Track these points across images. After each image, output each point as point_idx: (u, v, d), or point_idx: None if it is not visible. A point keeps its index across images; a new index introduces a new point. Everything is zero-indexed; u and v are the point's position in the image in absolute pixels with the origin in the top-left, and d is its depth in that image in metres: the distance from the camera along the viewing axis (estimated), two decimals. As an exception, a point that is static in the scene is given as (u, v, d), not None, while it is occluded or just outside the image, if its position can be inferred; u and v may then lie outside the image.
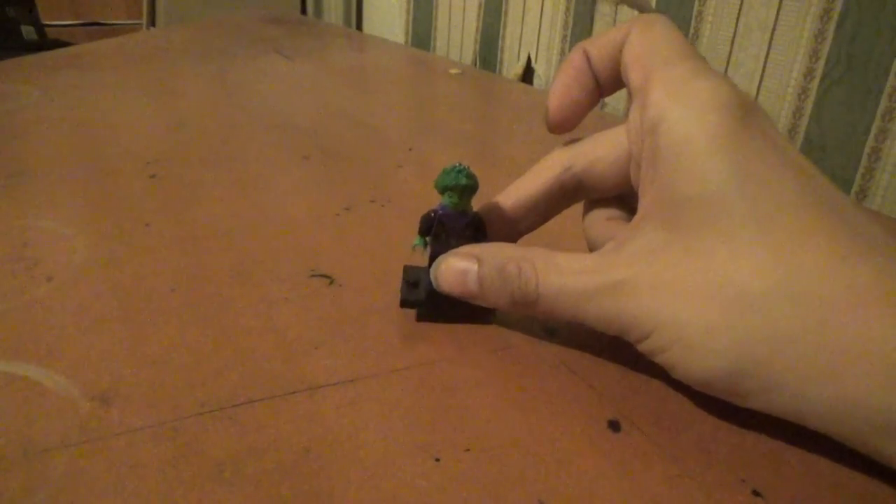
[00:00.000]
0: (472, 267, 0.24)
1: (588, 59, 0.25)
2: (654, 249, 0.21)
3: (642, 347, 0.22)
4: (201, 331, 0.25)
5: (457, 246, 0.25)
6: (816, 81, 0.48)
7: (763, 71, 0.51)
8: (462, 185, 0.25)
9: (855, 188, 0.47)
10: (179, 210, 0.35)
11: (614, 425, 0.21)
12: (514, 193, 0.27)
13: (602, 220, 0.26)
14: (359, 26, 1.13)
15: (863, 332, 0.18)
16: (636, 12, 0.59)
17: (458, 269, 0.24)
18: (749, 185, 0.20)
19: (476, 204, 0.26)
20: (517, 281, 0.23)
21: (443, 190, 0.25)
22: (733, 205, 0.20)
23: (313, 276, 0.29)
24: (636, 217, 0.23)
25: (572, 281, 0.22)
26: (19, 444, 0.19)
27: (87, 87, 0.60)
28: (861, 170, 0.46)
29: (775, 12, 0.50)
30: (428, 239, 0.26)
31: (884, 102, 0.44)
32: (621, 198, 0.26)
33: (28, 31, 1.37)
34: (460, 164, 0.25)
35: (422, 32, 0.96)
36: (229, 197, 0.37)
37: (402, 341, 0.25)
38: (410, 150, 0.46)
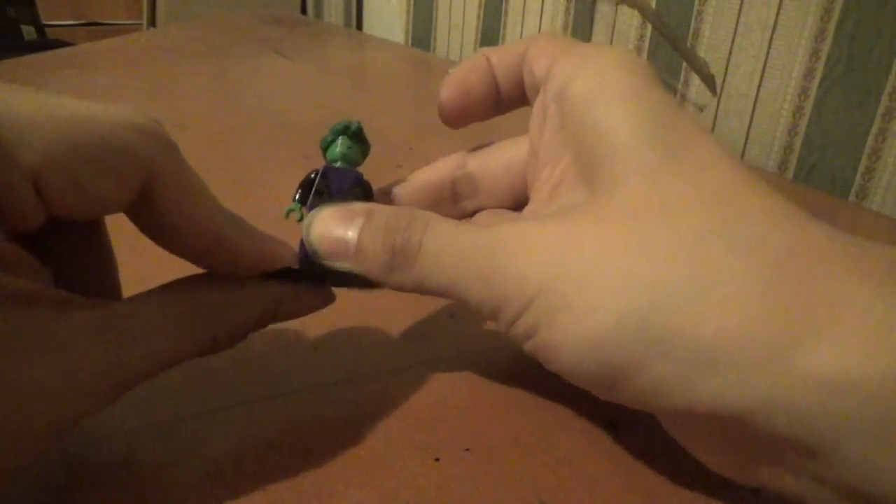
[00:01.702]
0: (356, 222, 0.20)
1: (488, 61, 0.23)
2: (565, 210, 0.19)
3: (520, 326, 0.18)
4: (201, 331, 0.25)
5: None
6: (816, 81, 0.48)
7: (763, 71, 0.51)
8: (354, 129, 0.22)
9: (855, 188, 0.47)
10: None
11: (614, 425, 0.21)
12: (405, 186, 0.25)
13: (493, 218, 0.24)
14: (359, 26, 1.14)
15: (829, 289, 0.15)
16: (636, 12, 0.59)
17: (340, 223, 0.20)
18: (671, 136, 0.18)
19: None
20: (402, 232, 0.19)
21: (330, 140, 0.22)
22: (655, 155, 0.17)
23: (313, 276, 0.29)
24: (540, 192, 0.21)
25: (462, 234, 0.19)
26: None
27: (87, 87, 0.60)
28: (861, 170, 0.46)
29: (775, 12, 0.50)
30: (308, 201, 0.21)
31: (884, 102, 0.44)
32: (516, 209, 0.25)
33: (28, 32, 1.37)
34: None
35: (422, 32, 0.96)
36: (229, 197, 0.37)
37: (402, 341, 0.25)
38: (410, 149, 0.46)
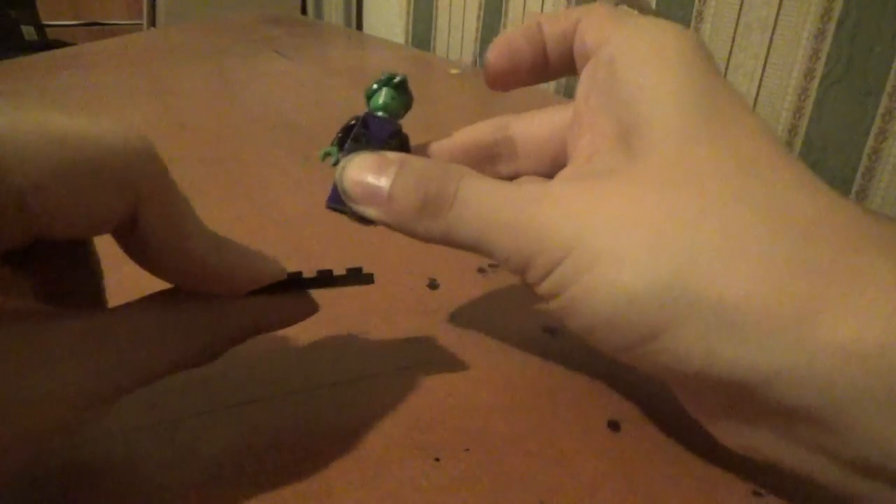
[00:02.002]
0: (390, 170, 0.20)
1: (540, 28, 0.23)
2: (603, 172, 0.19)
3: (550, 282, 0.18)
4: (201, 331, 0.25)
5: None
6: (816, 81, 0.48)
7: (763, 71, 0.51)
8: (398, 81, 0.23)
9: (855, 188, 0.47)
10: (179, 210, 0.35)
11: (614, 425, 0.21)
12: (444, 143, 0.25)
13: (530, 181, 0.25)
14: (359, 26, 1.13)
15: (854, 259, 0.15)
16: (636, 12, 0.59)
17: (372, 169, 0.20)
18: (714, 106, 0.18)
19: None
20: (437, 181, 0.19)
21: (376, 88, 0.23)
22: (695, 124, 0.18)
23: (313, 276, 0.29)
24: (581, 156, 0.22)
25: (497, 188, 0.19)
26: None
27: (88, 87, 0.60)
28: (861, 170, 0.46)
29: (775, 12, 0.50)
30: (346, 146, 0.22)
31: (884, 102, 0.44)
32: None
33: (28, 32, 1.37)
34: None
35: (422, 32, 0.96)
36: (229, 197, 0.37)
37: (402, 341, 0.25)
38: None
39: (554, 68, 0.24)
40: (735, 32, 0.53)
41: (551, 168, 0.24)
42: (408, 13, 0.99)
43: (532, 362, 0.24)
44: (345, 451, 0.20)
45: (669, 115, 0.18)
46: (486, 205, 0.19)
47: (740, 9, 0.52)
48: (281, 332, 0.25)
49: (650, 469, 0.20)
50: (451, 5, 0.89)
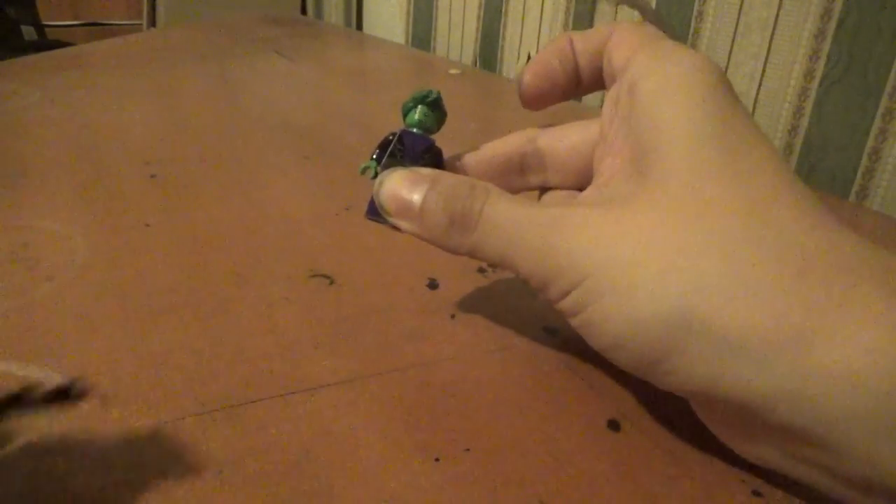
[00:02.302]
0: (422, 186, 0.22)
1: (572, 44, 0.24)
2: (617, 198, 0.20)
3: (568, 302, 0.19)
4: (201, 331, 0.25)
5: None
6: (816, 81, 0.48)
7: (763, 71, 0.51)
8: (433, 98, 0.24)
9: (855, 188, 0.47)
10: (179, 210, 0.35)
11: (614, 425, 0.21)
12: (475, 155, 0.26)
13: (558, 199, 0.26)
14: (359, 26, 1.14)
15: (851, 294, 0.16)
16: (636, 12, 0.59)
17: (406, 185, 0.22)
18: (727, 139, 0.18)
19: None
20: (464, 200, 0.21)
21: (410, 106, 0.24)
22: (710, 157, 0.18)
23: (313, 276, 0.29)
24: (601, 178, 0.23)
25: (521, 209, 0.20)
26: (21, 445, 0.19)
27: (88, 87, 0.60)
28: (861, 170, 0.46)
29: (775, 12, 0.50)
30: (383, 162, 0.24)
31: (884, 102, 0.44)
32: (579, 191, 0.26)
33: (28, 32, 1.37)
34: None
35: (422, 33, 0.96)
36: (229, 197, 0.37)
37: (402, 341, 0.25)
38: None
39: (586, 85, 0.24)
40: (735, 32, 0.53)
41: (577, 180, 0.25)
42: (408, 13, 0.99)
43: (532, 362, 0.24)
44: (345, 451, 0.20)
45: (683, 148, 0.19)
46: (509, 226, 0.20)
47: (740, 9, 0.52)
48: (280, 332, 0.25)
49: (650, 469, 0.20)
50: (451, 5, 0.89)
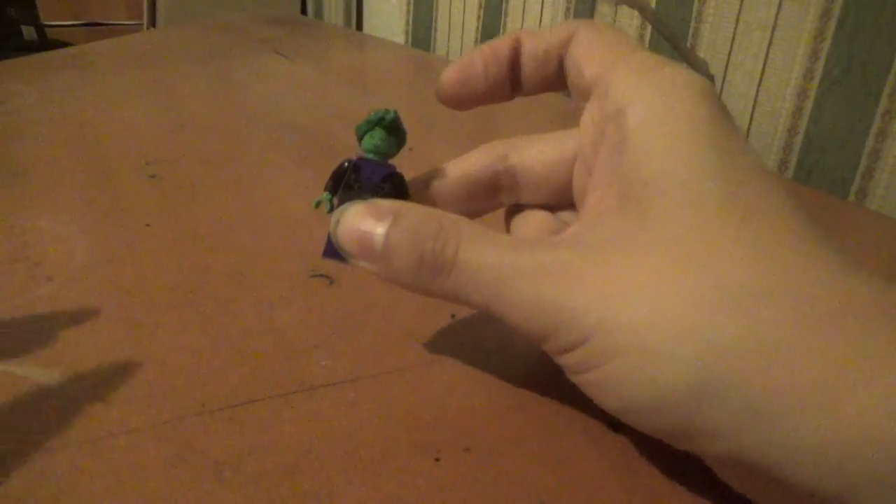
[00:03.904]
0: (384, 222, 0.19)
1: (517, 46, 0.22)
2: (613, 239, 0.18)
3: (571, 359, 0.17)
4: (201, 331, 0.25)
5: None
6: (816, 81, 0.48)
7: (763, 71, 0.51)
8: (389, 120, 0.21)
9: (855, 188, 0.47)
10: (179, 210, 0.35)
11: (614, 425, 0.21)
12: (442, 178, 0.24)
13: (533, 228, 0.23)
14: (359, 26, 1.14)
15: (870, 345, 0.15)
16: (636, 12, 0.59)
17: (366, 221, 0.19)
18: (729, 173, 0.17)
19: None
20: (433, 241, 0.18)
21: (365, 130, 0.22)
22: (712, 193, 0.17)
23: (313, 276, 0.29)
24: (589, 214, 0.20)
25: (502, 253, 0.18)
26: (20, 444, 0.19)
27: (87, 87, 0.60)
28: (861, 170, 0.46)
29: (775, 12, 0.50)
30: (338, 195, 0.21)
31: (884, 102, 0.44)
32: (550, 209, 0.24)
33: (28, 32, 1.37)
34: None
35: (422, 32, 0.96)
36: (229, 197, 0.37)
37: (402, 341, 0.25)
38: (410, 149, 0.46)
39: (529, 89, 0.23)
40: (735, 32, 0.53)
41: (552, 198, 0.24)
42: (408, 13, 0.99)
43: (532, 362, 0.24)
44: (345, 451, 0.20)
45: (683, 185, 0.17)
46: (490, 274, 0.18)
47: (740, 9, 0.52)
48: (280, 332, 0.25)
49: (650, 469, 0.20)
50: (451, 5, 0.89)
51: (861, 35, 0.45)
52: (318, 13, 1.27)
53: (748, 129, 0.53)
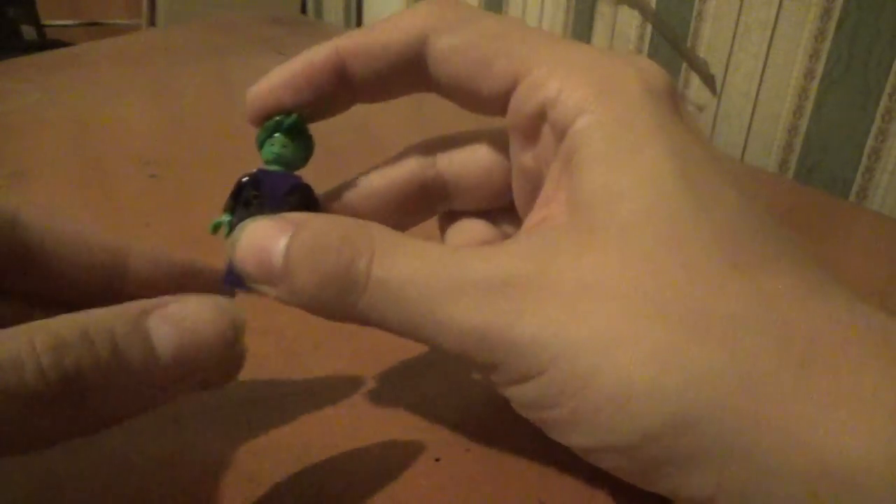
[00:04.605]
0: (284, 235, 0.16)
1: (342, 63, 0.19)
2: (569, 251, 0.15)
3: (524, 392, 0.15)
4: (201, 331, 0.25)
5: None
6: (816, 81, 0.48)
7: (763, 71, 0.51)
8: (289, 124, 0.19)
9: (855, 188, 0.47)
10: (179, 210, 0.35)
11: (614, 425, 0.21)
12: (361, 188, 0.20)
13: (468, 239, 0.21)
14: (359, 26, 1.13)
15: (859, 377, 0.14)
16: (636, 12, 0.59)
17: (267, 237, 0.16)
18: (704, 194, 0.15)
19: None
20: (337, 252, 0.15)
21: (264, 138, 0.19)
22: (681, 205, 0.15)
23: (313, 276, 0.29)
24: (537, 225, 0.18)
25: (430, 265, 0.15)
26: (19, 444, 0.19)
27: (87, 87, 0.60)
28: (861, 170, 0.46)
29: (775, 12, 0.50)
30: (236, 214, 0.18)
31: (884, 102, 0.44)
32: (488, 215, 0.22)
33: (28, 31, 1.37)
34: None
35: (422, 32, 0.96)
36: (229, 197, 0.37)
37: (402, 341, 0.25)
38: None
39: (362, 98, 0.20)
40: (735, 32, 0.53)
41: (492, 204, 0.21)
42: (408, 13, 0.99)
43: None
44: (345, 451, 0.20)
45: (651, 199, 0.15)
46: (418, 291, 0.15)
47: (740, 9, 0.52)
48: (281, 332, 0.25)
49: (650, 469, 0.20)
50: (450, 5, 0.89)
51: (861, 35, 0.45)
52: (318, 13, 1.27)
53: (748, 129, 0.53)
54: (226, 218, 0.18)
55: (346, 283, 0.15)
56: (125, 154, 0.44)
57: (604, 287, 0.15)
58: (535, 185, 0.19)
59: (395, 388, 0.22)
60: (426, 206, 0.21)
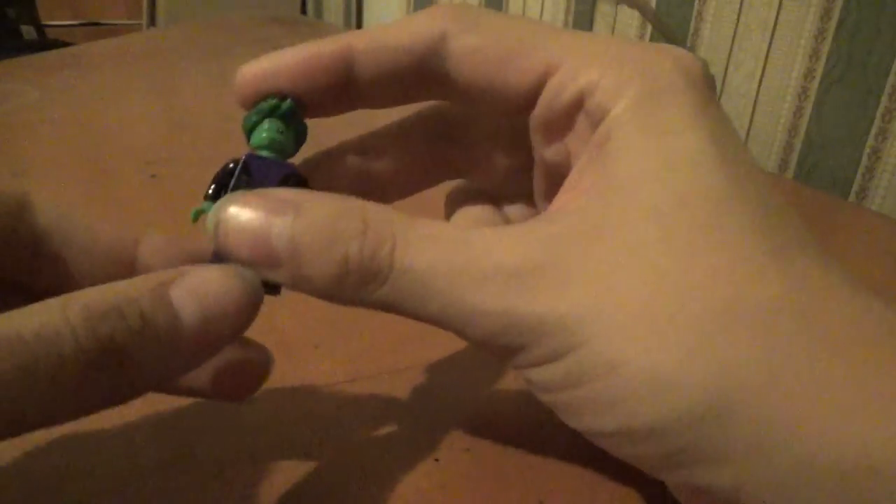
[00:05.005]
0: (283, 216, 0.15)
1: (351, 58, 0.18)
2: (603, 231, 0.15)
3: (545, 375, 0.15)
4: (201, 331, 0.25)
5: None
6: (816, 81, 0.48)
7: (763, 71, 0.51)
8: (286, 108, 0.18)
9: (855, 188, 0.47)
10: (179, 210, 0.35)
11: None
12: (362, 154, 0.19)
13: (472, 223, 0.20)
14: (359, 26, 1.13)
15: (885, 375, 0.13)
16: (636, 12, 0.59)
17: (258, 216, 0.15)
18: (742, 178, 0.15)
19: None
20: (358, 241, 0.15)
21: (255, 122, 0.18)
22: (727, 199, 0.15)
23: (313, 276, 0.29)
24: (559, 208, 0.17)
25: (455, 252, 0.15)
26: (20, 445, 0.19)
27: (87, 87, 0.60)
28: (861, 170, 0.46)
29: (775, 12, 0.50)
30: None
31: (884, 102, 0.44)
32: (496, 201, 0.21)
33: (28, 31, 1.37)
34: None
35: (422, 32, 0.96)
36: (229, 197, 0.37)
37: (402, 341, 0.25)
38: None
39: (363, 104, 0.19)
40: (735, 32, 0.53)
41: (501, 182, 0.20)
42: (407, 13, 0.99)
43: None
44: (345, 451, 0.20)
45: (686, 182, 0.15)
46: (445, 281, 0.15)
47: (740, 9, 0.52)
48: (281, 332, 0.25)
49: (650, 469, 0.20)
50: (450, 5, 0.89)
51: (861, 35, 0.45)
52: (318, 13, 1.27)
53: (748, 129, 0.53)
54: (208, 206, 0.17)
55: (368, 272, 0.15)
56: (125, 154, 0.44)
57: (637, 270, 0.14)
58: (554, 180, 0.19)
59: (394, 388, 0.22)
60: (435, 174, 0.20)
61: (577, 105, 0.17)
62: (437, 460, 0.20)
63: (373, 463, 0.19)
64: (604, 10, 0.65)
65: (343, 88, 0.18)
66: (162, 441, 0.20)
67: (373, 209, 0.16)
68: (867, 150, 0.46)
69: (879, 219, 0.41)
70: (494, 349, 0.16)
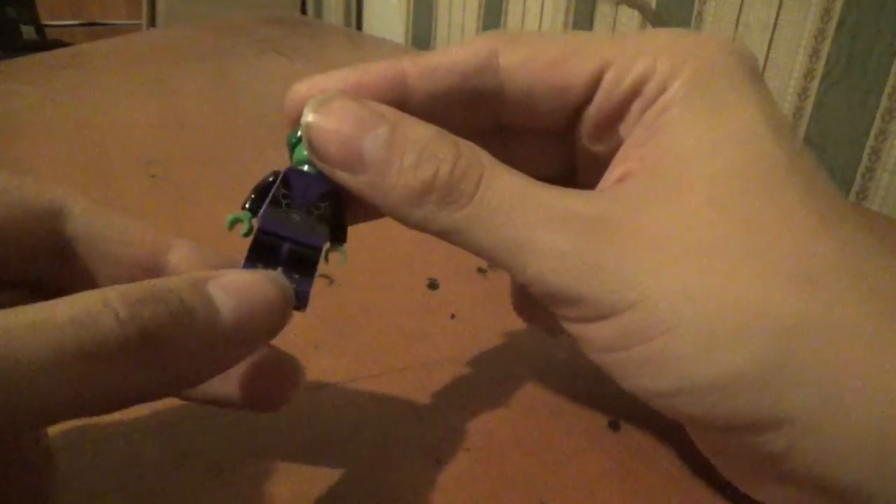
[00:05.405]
0: (379, 126, 0.16)
1: (403, 80, 0.18)
2: (664, 197, 0.16)
3: (603, 330, 0.15)
4: (201, 331, 0.25)
5: (302, 224, 0.17)
6: (816, 81, 0.48)
7: (763, 71, 0.51)
8: None
9: (855, 188, 0.47)
10: (179, 210, 0.35)
11: (614, 425, 0.21)
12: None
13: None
14: (359, 26, 1.13)
15: None
16: (636, 12, 0.59)
17: (354, 118, 0.16)
18: (784, 140, 0.16)
19: None
20: (451, 163, 0.15)
21: (300, 139, 0.17)
22: (775, 159, 0.15)
23: (313, 276, 0.29)
24: (610, 181, 0.18)
25: (534, 195, 0.15)
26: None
27: (87, 87, 0.60)
28: (861, 170, 0.46)
29: (775, 12, 0.50)
30: (261, 213, 0.17)
31: (884, 102, 0.44)
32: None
33: (28, 31, 1.37)
34: None
35: (422, 32, 0.96)
36: (229, 197, 0.37)
37: (402, 341, 0.25)
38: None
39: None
40: (735, 32, 0.53)
41: (546, 125, 0.19)
42: (408, 13, 0.99)
43: (532, 362, 0.24)
44: (345, 451, 0.20)
45: (743, 150, 0.16)
46: (522, 216, 0.15)
47: (740, 9, 0.52)
48: (281, 333, 0.25)
49: (650, 469, 0.20)
50: (450, 5, 0.89)
51: (861, 35, 0.45)
52: (318, 13, 1.27)
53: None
54: (245, 215, 0.18)
55: (452, 193, 0.15)
56: (126, 154, 0.44)
57: (698, 233, 0.15)
58: (599, 172, 0.19)
59: (395, 388, 0.23)
60: (473, 114, 0.19)
61: (635, 92, 0.17)
62: (437, 460, 0.20)
63: (373, 463, 0.19)
64: (604, 11, 0.65)
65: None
66: (162, 441, 0.20)
67: (464, 142, 0.16)
68: (867, 150, 0.46)
69: (879, 219, 0.41)
70: (549, 293, 0.16)
